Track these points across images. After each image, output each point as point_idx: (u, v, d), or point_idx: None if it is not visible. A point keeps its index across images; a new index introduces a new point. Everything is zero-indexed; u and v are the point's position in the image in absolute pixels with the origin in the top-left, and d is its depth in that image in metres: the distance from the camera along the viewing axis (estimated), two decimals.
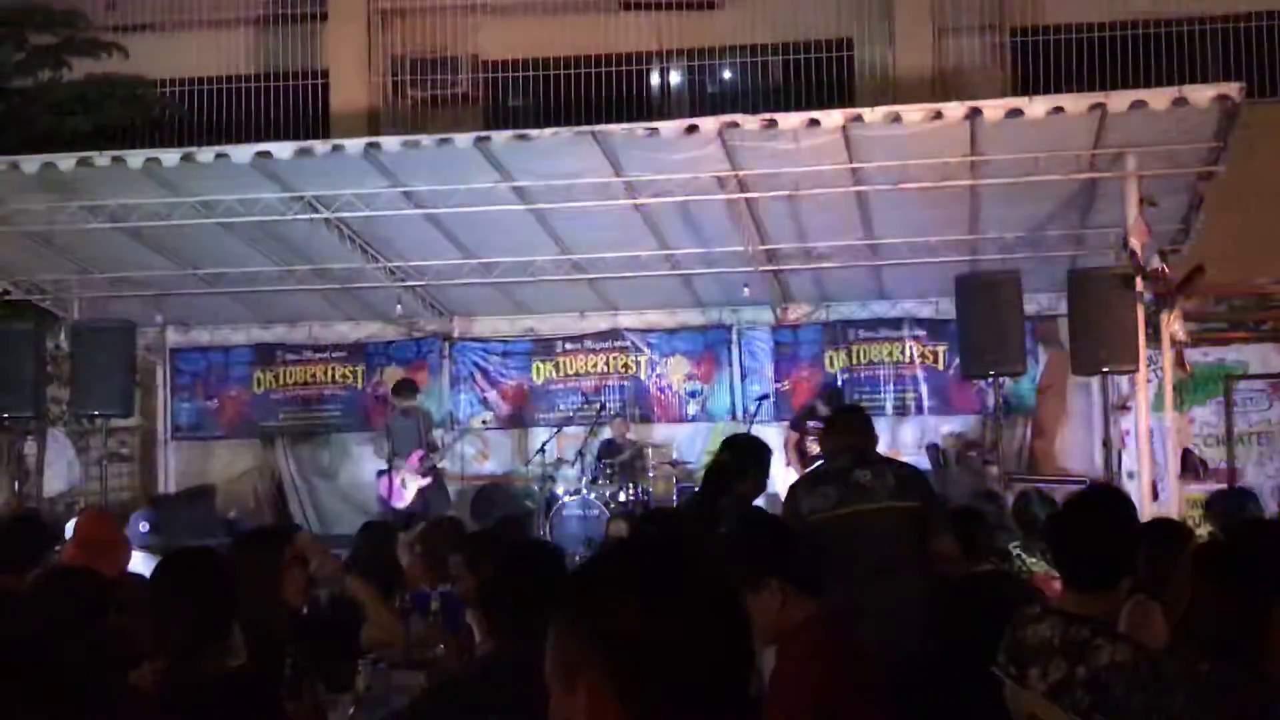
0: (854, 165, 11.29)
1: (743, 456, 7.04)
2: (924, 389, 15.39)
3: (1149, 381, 11.09)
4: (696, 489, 13.37)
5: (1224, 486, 11.75)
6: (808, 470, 7.52)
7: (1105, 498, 4.53)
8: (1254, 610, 3.83)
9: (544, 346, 16.20)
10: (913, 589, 6.24)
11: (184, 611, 4.15)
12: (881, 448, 12.27)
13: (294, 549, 5.59)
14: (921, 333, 15.39)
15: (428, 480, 14.42)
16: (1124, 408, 13.08)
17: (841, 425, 6.97)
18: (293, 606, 5.51)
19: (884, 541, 6.29)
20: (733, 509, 6.70)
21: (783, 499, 6.92)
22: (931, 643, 6.02)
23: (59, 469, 15.18)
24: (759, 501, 7.28)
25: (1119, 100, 10.17)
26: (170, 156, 11.17)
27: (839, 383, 15.24)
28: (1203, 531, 8.59)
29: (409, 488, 14.33)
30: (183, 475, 16.23)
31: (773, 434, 13.15)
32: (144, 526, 8.88)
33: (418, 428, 14.62)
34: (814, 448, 13.26)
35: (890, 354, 15.50)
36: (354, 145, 11.17)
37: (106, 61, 17.14)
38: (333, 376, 16.42)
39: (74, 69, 17.30)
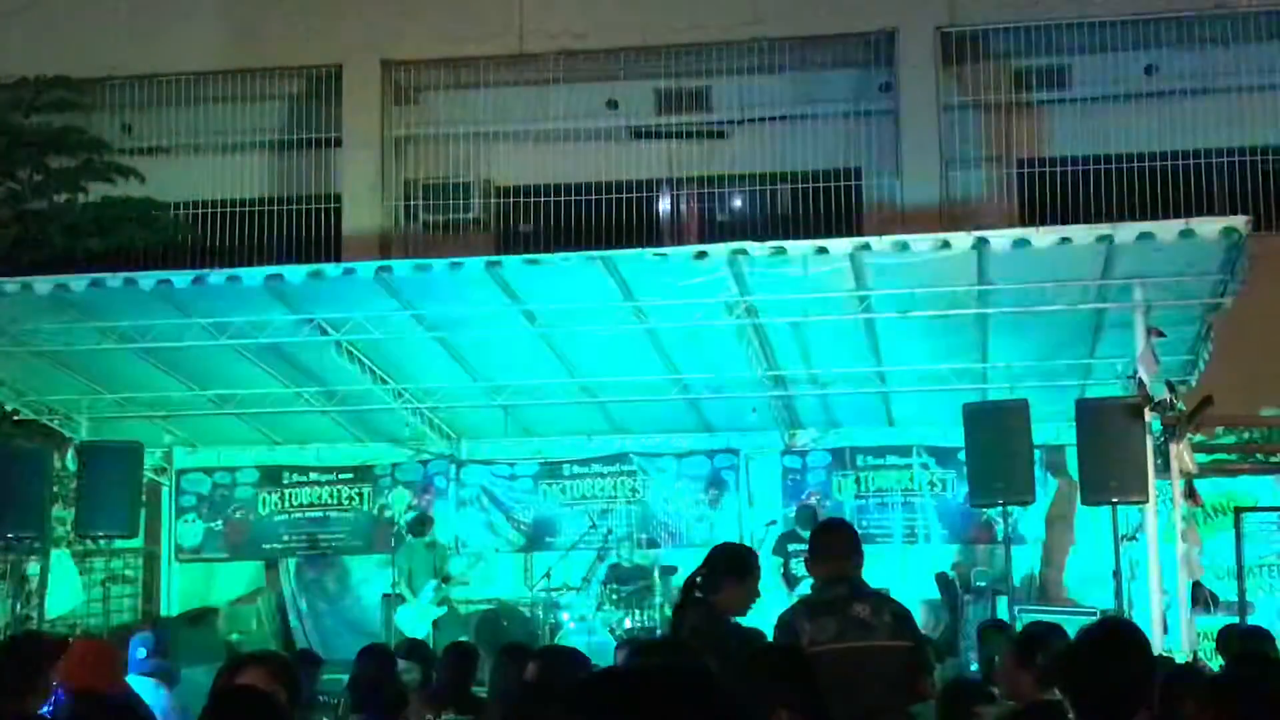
0: (862, 293, 11.35)
1: (714, 568, 6.74)
2: (932, 517, 15.29)
3: (1158, 513, 11.02)
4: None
5: (1235, 620, 11.62)
6: (804, 597, 7.20)
7: (1120, 631, 4.47)
8: None
9: (551, 469, 16.11)
10: None
11: None
12: (890, 576, 12.29)
13: (246, 676, 5.03)
14: (929, 460, 15.33)
15: (442, 610, 14.40)
16: (1133, 538, 13.00)
17: (828, 545, 6.48)
18: None
19: (882, 680, 6.17)
20: (702, 624, 6.44)
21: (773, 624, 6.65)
22: None
23: (62, 590, 15.05)
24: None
25: (1126, 232, 10.24)
26: (182, 278, 11.24)
27: (815, 502, 15.11)
28: (1214, 665, 8.49)
29: (423, 619, 14.25)
30: (186, 597, 16.09)
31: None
32: (144, 650, 8.79)
33: (433, 560, 14.63)
34: (799, 569, 13.22)
35: (898, 481, 15.42)
36: (365, 268, 11.25)
37: (122, 184, 17.33)
38: (339, 499, 16.32)
39: (90, 191, 17.49)
